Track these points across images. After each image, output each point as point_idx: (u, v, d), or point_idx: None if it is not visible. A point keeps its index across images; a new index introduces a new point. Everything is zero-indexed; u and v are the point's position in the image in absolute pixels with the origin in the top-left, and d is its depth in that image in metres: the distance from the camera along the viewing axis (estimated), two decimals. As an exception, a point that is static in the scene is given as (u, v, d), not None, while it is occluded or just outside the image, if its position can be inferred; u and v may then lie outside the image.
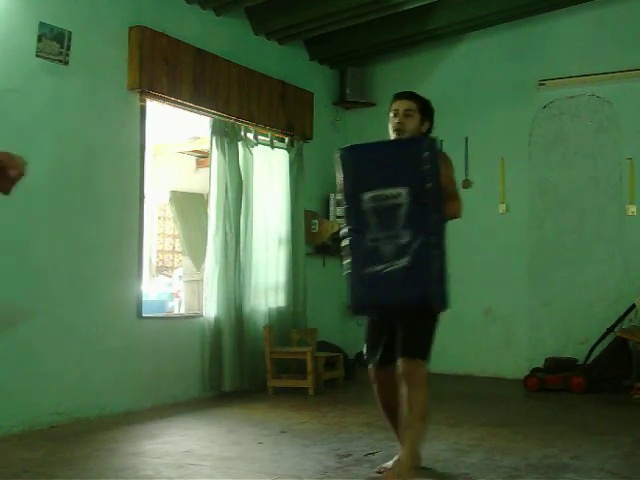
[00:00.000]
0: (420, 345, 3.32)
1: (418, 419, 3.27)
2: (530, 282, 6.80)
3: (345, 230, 3.32)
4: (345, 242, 3.32)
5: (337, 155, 3.36)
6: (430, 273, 3.14)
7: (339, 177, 3.35)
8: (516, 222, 6.89)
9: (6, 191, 2.04)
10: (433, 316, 3.35)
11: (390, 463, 3.47)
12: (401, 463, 3.26)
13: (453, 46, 7.23)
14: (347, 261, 3.31)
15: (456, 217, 3.40)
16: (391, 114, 3.51)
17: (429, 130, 3.55)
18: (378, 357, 3.41)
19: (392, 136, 3.49)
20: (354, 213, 3.27)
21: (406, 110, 3.47)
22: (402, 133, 3.44)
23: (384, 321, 3.42)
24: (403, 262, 3.13)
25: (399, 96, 3.56)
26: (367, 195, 3.22)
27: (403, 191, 3.15)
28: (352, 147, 3.47)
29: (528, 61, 6.88)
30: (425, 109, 3.54)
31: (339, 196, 3.39)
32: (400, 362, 3.26)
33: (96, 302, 4.91)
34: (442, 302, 3.20)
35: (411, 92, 3.60)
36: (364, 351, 3.49)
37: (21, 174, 2.08)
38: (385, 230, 3.18)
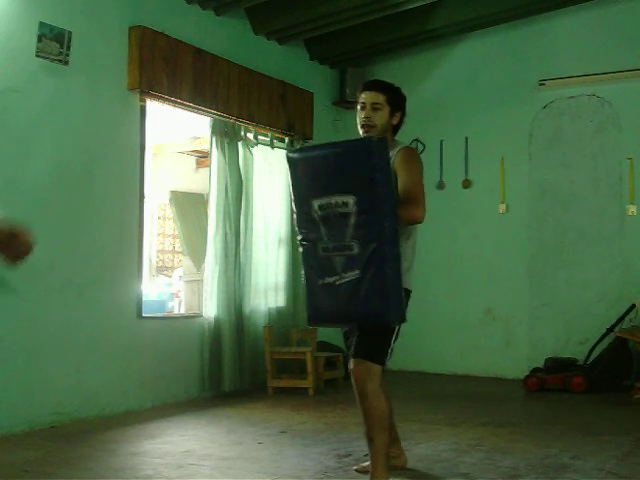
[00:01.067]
0: (372, 347, 3.07)
1: (377, 431, 3.04)
2: (530, 282, 6.80)
3: (299, 238, 3.16)
4: (300, 250, 3.16)
5: (286, 159, 3.18)
6: (383, 287, 2.90)
7: (289, 182, 3.19)
8: (516, 222, 6.89)
9: (11, 262, 1.94)
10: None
11: (367, 464, 3.26)
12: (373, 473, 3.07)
13: (453, 46, 7.23)
14: (302, 271, 3.16)
15: (416, 222, 3.11)
16: (358, 107, 3.29)
17: (401, 121, 3.35)
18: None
19: (360, 132, 3.30)
20: (305, 221, 3.09)
21: (373, 104, 3.25)
22: (370, 129, 3.24)
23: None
24: (354, 274, 2.93)
25: (366, 87, 3.32)
26: (316, 202, 3.02)
27: (351, 199, 2.91)
28: (300, 150, 3.35)
29: (528, 61, 6.88)
30: (395, 100, 3.29)
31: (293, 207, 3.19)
32: (350, 363, 3.11)
33: (96, 302, 4.91)
34: (397, 317, 2.96)
35: (379, 81, 3.38)
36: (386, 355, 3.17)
37: (27, 252, 1.93)
38: (335, 240, 2.98)
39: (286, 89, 6.67)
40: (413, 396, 5.87)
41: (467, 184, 7.10)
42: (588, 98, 6.65)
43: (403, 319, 2.98)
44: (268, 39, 6.66)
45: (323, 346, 6.65)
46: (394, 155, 3.17)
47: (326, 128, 7.40)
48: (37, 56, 4.56)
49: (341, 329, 3.43)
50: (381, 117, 3.26)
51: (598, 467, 3.58)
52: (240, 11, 6.26)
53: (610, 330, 6.03)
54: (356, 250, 2.92)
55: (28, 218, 4.53)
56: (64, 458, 3.75)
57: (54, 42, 4.64)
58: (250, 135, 6.26)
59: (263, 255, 6.39)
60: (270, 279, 6.48)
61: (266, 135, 6.50)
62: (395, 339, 3.17)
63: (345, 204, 2.93)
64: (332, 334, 7.13)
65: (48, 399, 4.54)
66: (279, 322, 6.43)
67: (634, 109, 6.45)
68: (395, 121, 3.33)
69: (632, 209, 6.41)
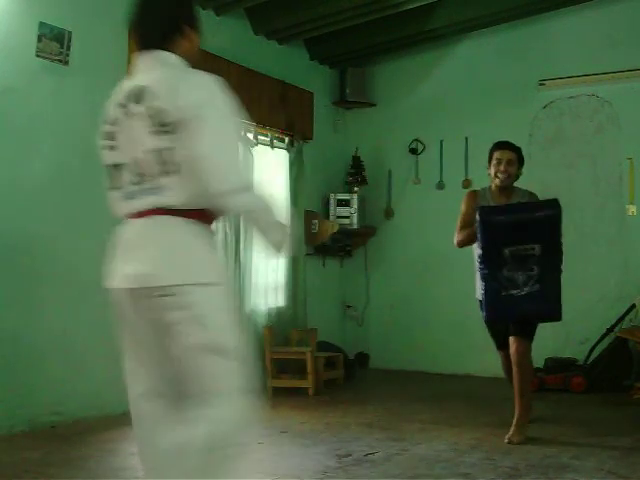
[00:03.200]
0: (530, 333, 4.45)
1: (528, 389, 4.39)
2: (530, 282, 6.79)
3: (486, 273, 4.23)
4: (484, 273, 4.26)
5: (480, 219, 4.16)
6: (554, 295, 4.20)
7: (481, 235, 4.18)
8: (516, 222, 6.88)
9: None
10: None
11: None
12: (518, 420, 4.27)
13: (453, 46, 7.23)
14: (486, 285, 4.25)
15: None
16: (494, 162, 4.40)
17: (521, 173, 4.50)
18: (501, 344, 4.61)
19: (495, 181, 4.41)
20: (494, 262, 4.15)
21: (509, 160, 4.37)
22: (507, 179, 4.38)
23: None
24: (534, 288, 4.13)
25: (502, 146, 4.45)
26: (508, 249, 4.10)
27: (537, 246, 4.07)
28: (493, 209, 4.34)
29: (528, 61, 6.88)
30: (521, 157, 4.47)
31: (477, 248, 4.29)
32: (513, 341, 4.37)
33: (96, 302, 4.89)
34: (561, 314, 4.33)
35: (511, 143, 4.45)
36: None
37: None
38: (519, 267, 4.12)
39: (286, 89, 6.67)
40: (413, 396, 5.87)
41: (467, 184, 7.09)
42: (588, 98, 6.65)
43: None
44: (268, 39, 6.66)
45: (323, 346, 6.65)
46: (527, 198, 4.45)
47: (326, 128, 7.41)
48: (37, 56, 4.56)
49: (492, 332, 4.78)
50: (513, 170, 4.40)
51: (598, 467, 3.58)
52: (240, 11, 6.26)
53: (610, 330, 6.03)
54: (535, 271, 4.09)
55: (28, 218, 4.54)
56: (64, 458, 3.75)
57: (54, 42, 4.64)
58: (250, 135, 6.26)
59: (263, 255, 6.39)
60: (270, 279, 6.48)
61: (266, 135, 6.50)
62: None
63: (532, 249, 4.07)
64: (332, 334, 7.14)
65: (48, 399, 4.54)
66: (279, 322, 6.43)
67: (634, 109, 6.44)
68: (520, 173, 4.48)
69: (632, 209, 6.41)
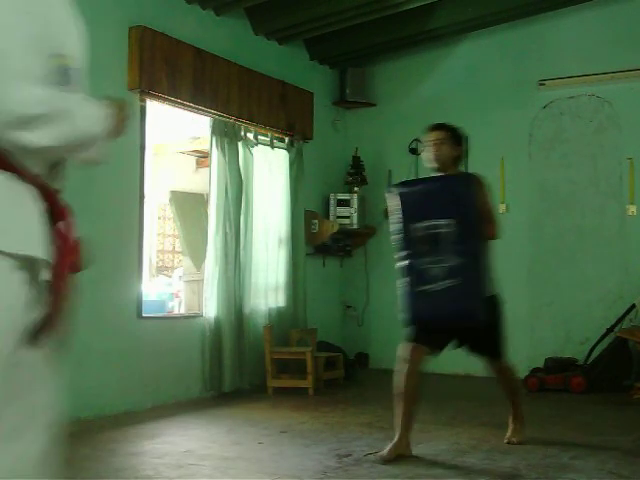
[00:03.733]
0: (499, 346, 4.23)
1: (518, 395, 4.23)
2: (530, 282, 6.80)
3: (401, 254, 3.83)
4: (400, 264, 3.84)
5: (391, 191, 3.92)
6: (472, 291, 3.70)
7: (392, 208, 3.86)
8: (516, 222, 6.88)
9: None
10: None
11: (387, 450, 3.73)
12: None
13: (453, 46, 7.23)
14: (402, 280, 3.83)
15: (494, 238, 3.92)
16: (426, 144, 4.08)
17: (462, 154, 4.16)
18: (426, 339, 3.91)
19: (428, 164, 4.04)
20: (409, 240, 3.78)
21: (438, 139, 4.01)
22: (437, 160, 3.98)
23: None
24: (449, 283, 3.66)
25: (431, 128, 4.12)
26: (420, 225, 3.74)
27: (450, 221, 3.67)
28: (405, 183, 4.15)
29: (528, 61, 6.88)
30: (455, 136, 4.09)
31: (392, 227, 3.89)
32: (490, 364, 4.21)
33: (96, 302, 4.90)
34: (484, 316, 3.76)
35: (442, 123, 4.16)
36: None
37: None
38: (433, 255, 3.70)
39: (286, 89, 6.67)
40: (413, 396, 5.87)
41: (467, 184, 7.10)
42: (588, 98, 6.65)
43: (502, 317, 4.10)
44: (268, 39, 6.66)
45: (323, 346, 6.66)
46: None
47: (326, 128, 7.41)
48: (37, 56, 4.55)
49: (420, 324, 3.93)
50: (445, 150, 3.99)
51: (598, 467, 3.58)
52: (240, 11, 6.26)
53: (610, 330, 6.03)
54: (451, 262, 3.66)
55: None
56: (64, 458, 3.74)
57: (54, 42, 4.63)
58: (250, 135, 6.26)
59: (263, 255, 6.39)
60: (270, 279, 6.48)
61: (266, 135, 6.50)
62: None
63: (445, 226, 3.67)
64: (332, 334, 7.14)
65: (48, 399, 4.53)
66: (279, 322, 6.43)
67: (634, 109, 6.44)
68: (456, 153, 4.06)
69: (632, 209, 6.41)
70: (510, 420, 4.18)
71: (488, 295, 3.84)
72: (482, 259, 3.78)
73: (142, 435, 4.38)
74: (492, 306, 3.94)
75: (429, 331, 3.90)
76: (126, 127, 1.80)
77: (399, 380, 3.79)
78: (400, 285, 3.84)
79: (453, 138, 4.05)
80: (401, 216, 3.81)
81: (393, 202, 3.87)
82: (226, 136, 5.95)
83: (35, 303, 1.51)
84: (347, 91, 7.48)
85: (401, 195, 3.85)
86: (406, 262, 3.80)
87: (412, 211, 3.79)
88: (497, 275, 4.05)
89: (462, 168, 7.12)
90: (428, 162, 4.05)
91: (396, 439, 3.72)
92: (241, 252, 6.01)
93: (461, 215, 3.69)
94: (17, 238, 1.48)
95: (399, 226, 3.83)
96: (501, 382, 4.19)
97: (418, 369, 3.83)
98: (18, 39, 1.49)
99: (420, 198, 3.84)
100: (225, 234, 5.86)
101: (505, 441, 4.09)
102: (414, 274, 3.75)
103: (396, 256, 3.87)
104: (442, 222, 3.67)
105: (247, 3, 6.08)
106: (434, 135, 4.04)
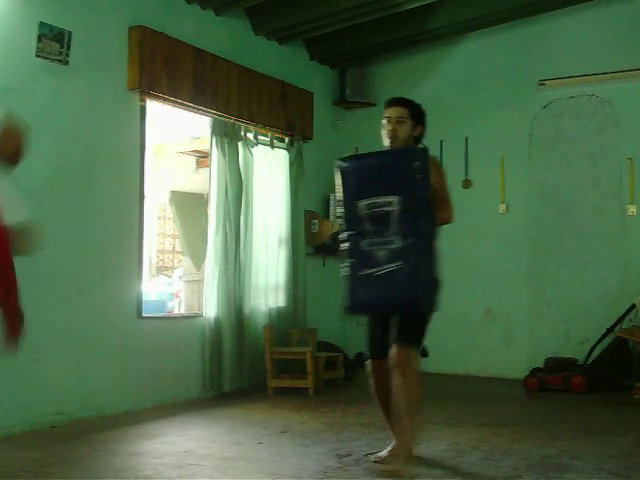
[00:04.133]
0: (412, 334, 3.51)
1: (412, 409, 3.42)
2: (530, 282, 6.80)
3: (345, 234, 3.53)
4: (344, 246, 3.54)
5: (336, 165, 3.58)
6: (418, 276, 3.35)
7: (338, 185, 3.57)
8: (516, 222, 6.89)
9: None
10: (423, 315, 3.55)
11: (384, 452, 3.62)
12: (399, 450, 3.47)
13: (453, 46, 7.23)
14: (345, 263, 3.53)
15: (447, 222, 3.58)
16: (384, 121, 3.65)
17: (422, 134, 3.73)
18: (375, 350, 3.63)
19: (385, 142, 3.65)
20: (352, 219, 3.48)
21: (398, 117, 3.62)
22: (395, 140, 3.61)
23: (379, 318, 3.65)
24: (395, 265, 3.34)
25: (390, 103, 3.70)
26: (364, 202, 3.43)
27: (395, 199, 3.35)
28: (350, 158, 3.73)
29: (528, 61, 6.88)
30: (416, 114, 3.68)
31: (338, 207, 3.61)
32: (394, 349, 3.44)
33: (96, 302, 4.91)
34: (430, 305, 3.45)
35: (402, 98, 3.73)
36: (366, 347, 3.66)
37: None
38: (379, 236, 3.40)
39: (286, 89, 6.67)
40: (413, 396, 5.87)
41: (467, 184, 7.10)
42: (588, 98, 6.65)
43: (435, 307, 3.50)
44: (268, 39, 6.66)
45: (323, 346, 6.66)
46: None
47: (326, 128, 7.41)
48: (37, 56, 4.56)
49: (369, 323, 3.72)
50: (404, 130, 3.63)
51: (598, 467, 3.58)
52: (240, 11, 6.26)
53: (610, 330, 6.03)
54: (397, 244, 3.36)
55: (27, 217, 4.53)
56: (64, 458, 3.75)
57: (54, 42, 4.64)
58: (250, 135, 6.26)
59: (263, 255, 6.39)
60: (270, 279, 6.48)
61: (266, 135, 6.50)
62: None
63: (390, 203, 3.36)
64: (332, 334, 7.14)
65: (48, 399, 4.54)
66: (279, 322, 6.43)
67: (634, 109, 6.44)
68: (417, 133, 3.69)
69: (632, 209, 6.41)
70: (394, 446, 3.60)
71: (433, 280, 3.48)
72: (431, 242, 3.45)
73: (142, 435, 4.38)
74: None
75: (374, 331, 3.64)
76: (22, 155, 1.70)
77: (372, 394, 3.71)
78: (343, 268, 3.55)
79: (414, 116, 3.66)
80: (344, 193, 3.53)
81: (337, 178, 3.58)
82: (226, 136, 5.95)
83: None
84: (347, 91, 7.49)
85: (346, 170, 3.55)
86: (349, 243, 3.51)
87: (356, 187, 3.50)
88: (442, 260, 3.66)
89: (463, 168, 7.25)
90: (384, 141, 3.67)
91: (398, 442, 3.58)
92: (241, 252, 6.02)
93: (410, 192, 3.35)
94: None
95: (343, 204, 3.55)
96: (397, 388, 3.41)
97: (380, 379, 3.58)
98: None
99: (366, 173, 3.50)
100: (225, 234, 5.86)
101: (372, 459, 3.65)
102: (357, 256, 3.47)
103: (340, 237, 3.59)
104: (388, 200, 3.37)
105: (247, 3, 6.08)
106: (392, 112, 3.64)
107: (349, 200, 3.51)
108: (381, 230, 3.39)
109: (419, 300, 3.39)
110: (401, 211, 3.35)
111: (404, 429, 3.42)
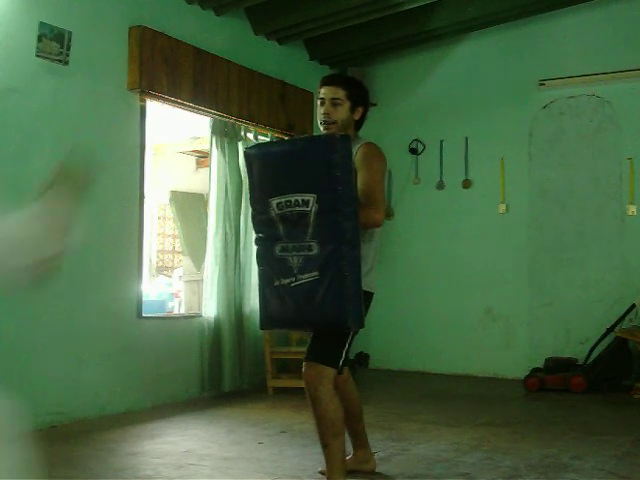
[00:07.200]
0: (327, 351, 3.02)
1: (330, 436, 3.00)
2: (530, 282, 6.81)
3: (254, 238, 3.08)
4: (255, 250, 3.10)
5: (243, 156, 3.13)
6: (341, 290, 2.79)
7: (247, 180, 3.12)
8: (516, 222, 6.89)
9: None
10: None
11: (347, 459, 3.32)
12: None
13: (453, 46, 7.23)
14: (258, 272, 3.08)
15: (375, 226, 3.02)
16: (318, 102, 3.19)
17: (363, 116, 3.23)
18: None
19: (320, 127, 3.22)
20: (262, 220, 2.99)
21: (332, 98, 3.13)
22: (330, 124, 3.14)
23: None
24: (311, 276, 2.82)
25: (324, 81, 3.20)
26: (275, 201, 2.90)
27: (311, 197, 2.81)
28: (259, 146, 3.27)
29: (528, 61, 6.88)
30: (356, 95, 3.18)
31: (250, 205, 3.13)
32: (304, 366, 3.06)
33: (96, 302, 4.91)
34: (355, 323, 2.85)
35: (338, 75, 3.33)
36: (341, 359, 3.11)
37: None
38: (292, 240, 2.88)
39: (286, 89, 6.67)
40: (413, 396, 5.87)
41: (467, 184, 7.10)
42: (588, 98, 6.65)
43: (361, 324, 2.86)
44: (268, 39, 6.66)
45: (323, 346, 6.64)
46: (355, 152, 3.00)
47: (326, 128, 7.40)
48: (37, 56, 4.56)
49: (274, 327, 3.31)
50: (341, 113, 3.14)
51: (598, 467, 3.58)
52: (240, 11, 6.26)
53: (610, 330, 6.03)
54: (315, 251, 2.81)
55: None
56: (64, 458, 3.75)
57: (54, 42, 4.64)
58: (250, 135, 6.26)
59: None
60: (270, 279, 6.47)
61: (266, 135, 6.50)
62: (351, 342, 3.05)
63: (305, 203, 2.81)
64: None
65: (48, 399, 4.54)
66: (279, 322, 6.42)
67: (634, 109, 6.45)
68: (357, 116, 3.20)
69: (632, 209, 6.41)
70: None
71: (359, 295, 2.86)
72: (356, 249, 2.82)
73: (142, 435, 4.38)
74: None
75: None
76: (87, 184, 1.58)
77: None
78: (257, 277, 3.09)
79: (352, 97, 3.15)
80: (250, 189, 3.06)
81: (245, 170, 3.13)
82: (226, 136, 5.95)
83: None
84: (347, 91, 7.47)
85: (253, 162, 3.03)
86: (258, 248, 3.03)
87: (265, 183, 2.96)
88: (375, 270, 3.17)
89: (462, 168, 7.27)
90: (320, 126, 3.21)
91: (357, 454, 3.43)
92: (241, 252, 6.02)
93: (328, 189, 2.79)
94: None
95: (251, 202, 3.06)
96: (312, 409, 3.05)
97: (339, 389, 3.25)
98: None
99: (276, 166, 2.95)
100: (225, 234, 5.86)
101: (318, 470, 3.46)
102: (268, 264, 2.97)
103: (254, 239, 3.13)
104: (302, 198, 2.81)
105: (247, 3, 6.08)
106: (326, 92, 3.15)
107: (258, 198, 3.00)
108: (295, 234, 2.85)
109: (344, 320, 2.81)
110: (318, 212, 2.79)
111: (327, 458, 3.04)
